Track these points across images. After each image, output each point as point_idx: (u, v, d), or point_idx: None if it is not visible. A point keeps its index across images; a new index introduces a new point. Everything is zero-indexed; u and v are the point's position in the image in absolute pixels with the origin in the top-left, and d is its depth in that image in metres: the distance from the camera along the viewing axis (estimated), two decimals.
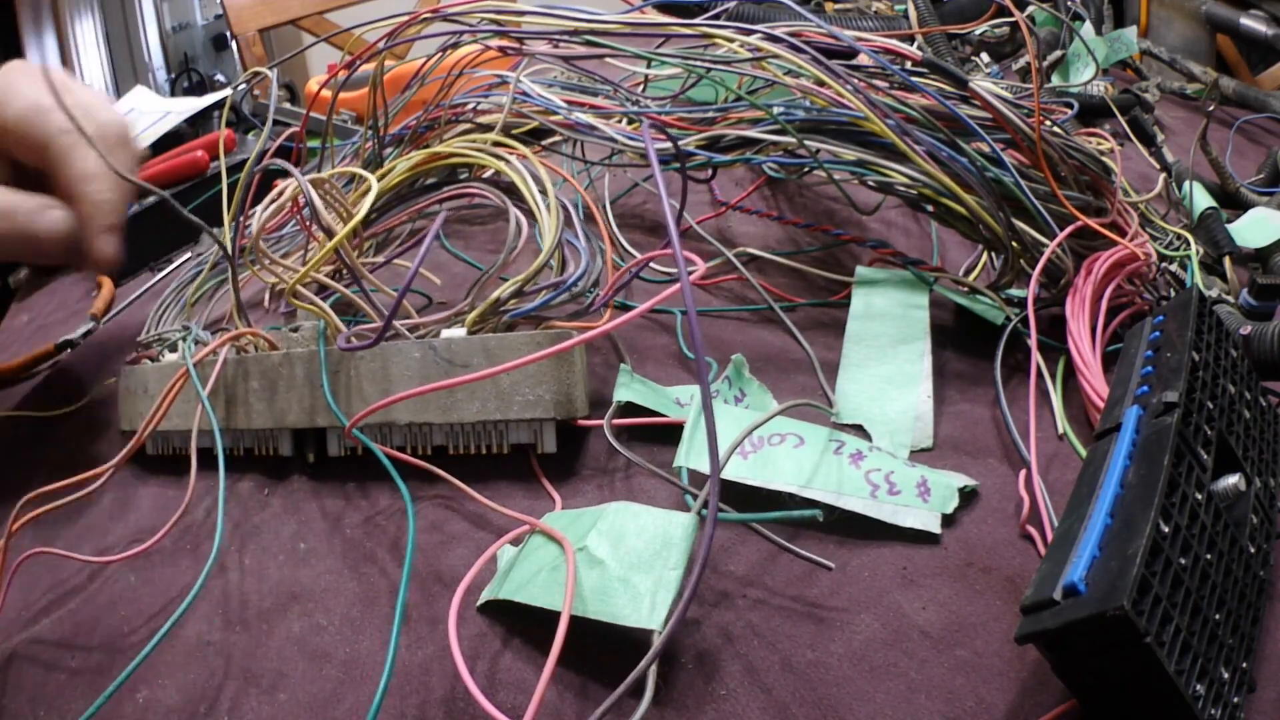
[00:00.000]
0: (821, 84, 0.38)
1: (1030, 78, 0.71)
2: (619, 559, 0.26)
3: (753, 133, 0.39)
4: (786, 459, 0.31)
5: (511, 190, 0.40)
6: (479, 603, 0.29)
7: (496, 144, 0.42)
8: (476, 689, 0.24)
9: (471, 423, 0.33)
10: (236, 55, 1.50)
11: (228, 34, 1.52)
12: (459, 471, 0.33)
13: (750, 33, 0.39)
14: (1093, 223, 0.39)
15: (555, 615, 0.25)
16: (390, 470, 0.31)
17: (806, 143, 0.38)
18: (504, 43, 0.44)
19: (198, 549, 0.34)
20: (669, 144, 0.39)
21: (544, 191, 0.38)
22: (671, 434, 0.34)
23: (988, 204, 0.37)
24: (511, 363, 0.30)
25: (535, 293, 0.35)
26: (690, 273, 0.28)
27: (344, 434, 0.33)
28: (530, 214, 0.38)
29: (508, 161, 0.40)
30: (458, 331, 0.34)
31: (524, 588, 0.27)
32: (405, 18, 0.43)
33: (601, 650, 0.26)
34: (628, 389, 0.35)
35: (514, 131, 0.46)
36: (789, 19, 0.41)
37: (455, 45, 0.45)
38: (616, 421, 0.33)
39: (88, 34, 2.03)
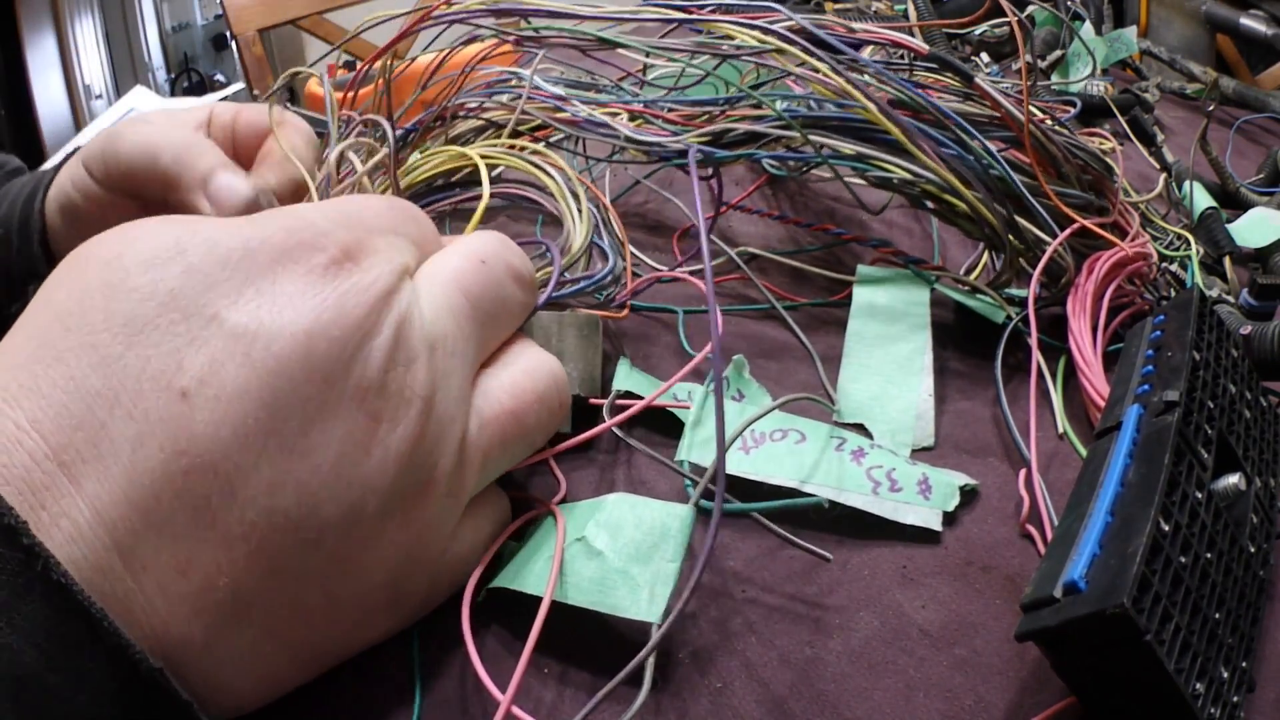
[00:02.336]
0: (826, 78, 0.38)
1: (1031, 77, 0.71)
2: (617, 550, 0.26)
3: (758, 126, 0.39)
4: (788, 455, 0.31)
5: (543, 192, 0.41)
6: (480, 595, 0.29)
7: (525, 148, 0.43)
8: (489, 680, 0.24)
9: None
10: (236, 55, 1.50)
11: (228, 34, 1.52)
12: None
13: (756, 26, 0.39)
14: (1089, 224, 0.39)
15: (557, 605, 0.25)
16: None
17: (811, 139, 0.38)
18: (515, 36, 0.44)
19: None
20: (700, 149, 0.39)
21: (577, 198, 0.39)
22: (674, 426, 0.34)
23: (984, 198, 0.37)
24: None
25: (562, 284, 0.36)
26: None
27: None
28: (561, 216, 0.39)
29: (543, 169, 0.41)
30: None
31: (520, 576, 0.27)
32: (413, 15, 0.43)
33: (605, 644, 0.26)
34: (627, 380, 0.35)
35: (521, 128, 0.46)
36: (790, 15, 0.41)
37: (468, 41, 0.45)
38: (619, 402, 0.33)
39: (88, 34, 2.03)
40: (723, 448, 0.26)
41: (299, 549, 0.21)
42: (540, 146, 0.43)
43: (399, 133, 0.47)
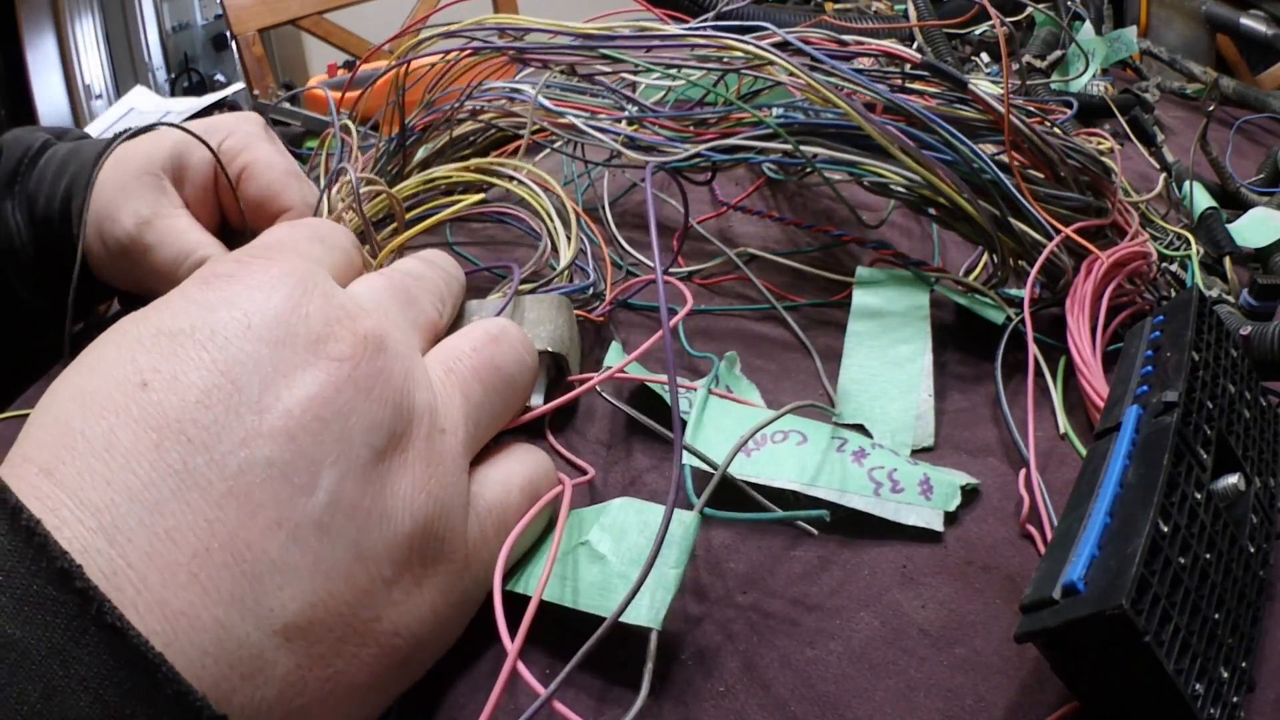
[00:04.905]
0: (814, 87, 0.38)
1: (1030, 77, 0.71)
2: (620, 555, 0.26)
3: (748, 140, 0.40)
4: (790, 456, 0.31)
5: (530, 209, 0.43)
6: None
7: (520, 168, 0.44)
8: (531, 676, 0.24)
9: None
10: (236, 55, 1.50)
11: (228, 34, 1.52)
12: None
13: (748, 37, 0.39)
14: (1071, 232, 0.38)
15: (566, 610, 0.25)
16: None
17: (803, 148, 0.38)
18: (515, 56, 0.45)
19: None
20: (669, 156, 0.40)
21: (565, 222, 0.41)
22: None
23: (970, 197, 0.37)
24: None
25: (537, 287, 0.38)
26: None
27: None
28: (550, 236, 0.41)
29: (532, 190, 0.43)
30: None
31: (526, 580, 0.27)
32: (412, 27, 0.44)
33: (610, 644, 0.26)
34: (618, 358, 0.35)
35: (519, 131, 0.47)
36: (791, 20, 0.41)
37: (475, 53, 0.46)
38: (613, 373, 0.34)
39: (88, 34, 2.03)
40: (679, 462, 0.26)
41: (295, 495, 0.21)
42: (531, 165, 0.44)
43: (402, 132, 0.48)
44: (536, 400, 0.33)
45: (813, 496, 0.30)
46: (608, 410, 0.36)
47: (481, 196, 0.44)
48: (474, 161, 0.45)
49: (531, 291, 0.38)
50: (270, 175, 0.41)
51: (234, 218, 0.44)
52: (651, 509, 0.27)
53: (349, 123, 0.44)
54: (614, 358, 0.36)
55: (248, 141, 0.42)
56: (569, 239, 0.40)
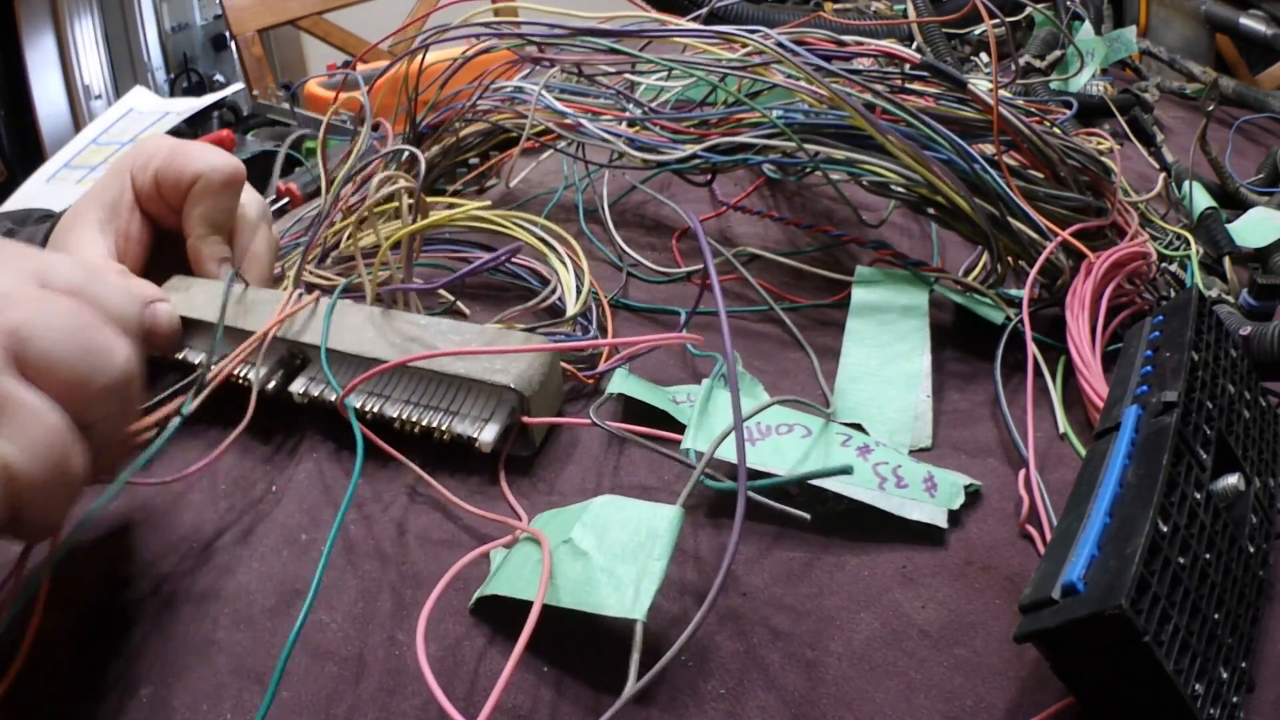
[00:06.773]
0: (810, 85, 0.38)
1: (1030, 76, 0.71)
2: (603, 551, 0.26)
3: (750, 138, 0.40)
4: (794, 448, 0.31)
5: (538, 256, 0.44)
6: (470, 603, 0.29)
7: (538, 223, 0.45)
8: (442, 694, 0.24)
9: (434, 371, 0.34)
10: (235, 56, 1.50)
11: (227, 34, 1.52)
12: (451, 485, 0.33)
13: (749, 36, 0.39)
14: (1069, 235, 0.38)
15: (544, 610, 0.25)
16: (360, 446, 0.32)
17: (806, 146, 0.38)
18: (527, 53, 0.45)
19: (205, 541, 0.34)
20: (674, 155, 0.40)
21: (579, 280, 0.41)
22: (672, 431, 0.34)
23: (966, 194, 0.37)
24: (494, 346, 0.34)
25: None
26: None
27: (336, 405, 0.34)
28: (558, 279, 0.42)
29: (553, 248, 0.43)
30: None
31: (510, 582, 0.27)
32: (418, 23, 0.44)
33: (604, 645, 0.27)
34: (623, 384, 0.35)
35: (525, 134, 0.47)
36: (788, 19, 0.41)
37: (486, 50, 0.46)
38: (611, 425, 0.33)
39: (87, 34, 2.03)
40: (742, 444, 0.26)
41: None
42: (543, 219, 0.44)
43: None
44: (488, 437, 0.33)
45: (817, 487, 0.30)
46: (603, 423, 0.36)
47: (486, 203, 0.44)
48: (499, 213, 0.44)
49: (531, 330, 0.38)
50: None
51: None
52: (635, 505, 0.27)
53: (384, 120, 0.44)
54: (618, 384, 0.35)
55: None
56: (578, 298, 0.40)
